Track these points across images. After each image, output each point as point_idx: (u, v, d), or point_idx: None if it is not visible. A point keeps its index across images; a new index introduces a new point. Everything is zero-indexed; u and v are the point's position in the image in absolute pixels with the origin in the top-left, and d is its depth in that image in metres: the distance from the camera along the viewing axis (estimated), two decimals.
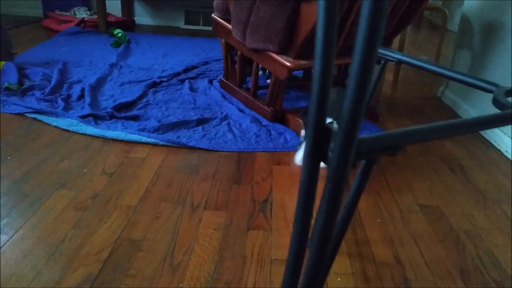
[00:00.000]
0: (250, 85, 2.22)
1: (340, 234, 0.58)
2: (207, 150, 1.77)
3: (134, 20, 4.23)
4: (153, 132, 1.83)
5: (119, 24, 3.84)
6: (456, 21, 4.40)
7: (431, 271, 1.17)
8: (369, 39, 0.45)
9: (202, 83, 2.53)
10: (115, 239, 1.20)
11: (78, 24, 3.78)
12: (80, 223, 1.26)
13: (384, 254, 1.22)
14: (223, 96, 2.33)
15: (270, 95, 2.06)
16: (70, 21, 3.82)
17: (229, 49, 2.34)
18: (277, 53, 1.90)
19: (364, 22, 0.45)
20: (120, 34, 3.35)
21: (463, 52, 2.51)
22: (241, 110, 2.14)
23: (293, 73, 2.25)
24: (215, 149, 1.78)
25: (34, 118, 1.96)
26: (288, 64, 1.84)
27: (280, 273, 1.13)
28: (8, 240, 1.18)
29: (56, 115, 1.97)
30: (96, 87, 2.33)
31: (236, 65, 2.31)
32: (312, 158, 0.54)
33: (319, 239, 0.54)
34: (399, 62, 1.04)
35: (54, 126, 1.89)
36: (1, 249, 1.15)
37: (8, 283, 1.04)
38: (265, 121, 2.03)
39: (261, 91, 2.29)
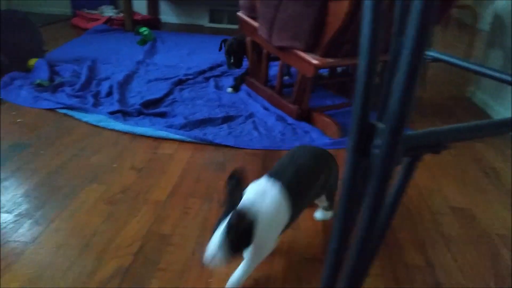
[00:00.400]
0: (275, 83, 2.22)
1: (381, 234, 0.58)
2: (233, 147, 1.78)
3: (159, 19, 4.28)
4: (180, 129, 1.85)
5: (145, 22, 3.90)
6: (485, 20, 4.28)
7: (463, 275, 1.14)
8: (419, 35, 0.45)
9: (227, 81, 2.54)
10: (145, 233, 1.22)
11: (105, 23, 3.86)
12: (111, 216, 1.29)
13: (415, 257, 1.20)
14: (248, 94, 2.33)
15: (296, 93, 2.05)
16: (97, 20, 3.90)
17: (255, 47, 2.34)
18: (304, 51, 1.89)
19: (414, 20, 0.44)
20: (146, 32, 3.40)
21: (494, 52, 2.43)
22: (266, 108, 2.14)
23: (319, 71, 2.23)
24: (240, 146, 1.78)
25: (65, 114, 2.01)
26: (315, 62, 1.83)
27: (308, 271, 1.12)
28: (43, 231, 1.22)
29: (86, 110, 2.01)
30: (124, 84, 2.37)
31: (261, 63, 2.31)
32: (355, 155, 0.53)
33: (362, 238, 0.53)
34: (435, 60, 1.02)
35: (84, 122, 1.94)
36: (38, 239, 1.18)
37: (46, 272, 1.07)
38: (290, 119, 2.03)
39: (286, 89, 2.28)
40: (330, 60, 1.87)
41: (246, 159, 1.70)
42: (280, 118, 2.02)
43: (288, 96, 2.14)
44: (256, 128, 1.93)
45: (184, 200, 1.40)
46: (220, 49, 2.62)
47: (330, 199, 1.25)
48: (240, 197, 0.93)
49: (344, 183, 0.55)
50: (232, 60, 2.53)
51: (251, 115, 2.05)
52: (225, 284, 1.04)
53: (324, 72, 2.59)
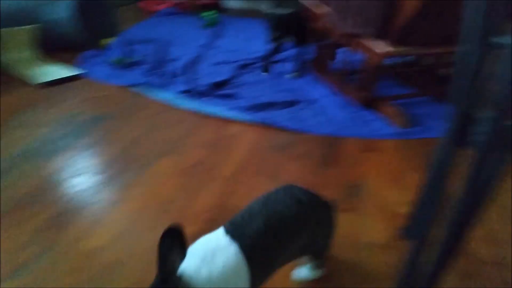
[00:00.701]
0: (339, 69, 2.20)
1: (470, 225, 0.57)
2: (296, 131, 1.80)
3: (222, 3, 4.36)
4: (245, 111, 1.91)
5: (209, 6, 3.99)
6: None
7: None
8: None
9: (291, 66, 2.55)
10: (216, 204, 1.29)
11: (172, 6, 3.99)
12: (184, 187, 1.38)
13: (488, 253, 1.16)
14: (312, 79, 2.34)
15: (362, 81, 2.03)
16: (165, 3, 4.05)
17: (320, 34, 2.33)
18: (373, 38, 1.85)
19: None
20: (211, 16, 3.49)
21: None
22: (330, 94, 2.14)
23: (388, 59, 2.18)
24: (304, 130, 1.80)
25: (138, 91, 2.14)
26: (382, 50, 1.79)
27: (371, 256, 1.13)
28: (124, 196, 1.33)
29: (157, 89, 2.13)
30: (192, 65, 2.46)
31: (326, 50, 2.30)
32: (451, 144, 0.53)
33: (455, 226, 0.53)
34: None
35: (156, 99, 2.05)
36: (119, 203, 1.29)
37: (126, 233, 1.17)
38: (355, 107, 2.01)
39: (352, 76, 2.25)
40: (399, 48, 1.82)
41: (310, 144, 1.71)
42: (344, 105, 2.01)
43: (354, 83, 2.12)
44: (319, 113, 1.94)
45: (251, 177, 1.45)
46: (270, 25, 2.37)
47: (319, 258, 1.00)
48: (179, 259, 0.68)
49: (435, 174, 0.55)
50: (278, 35, 2.36)
51: (314, 100, 2.06)
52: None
53: (394, 60, 2.52)
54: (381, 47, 1.80)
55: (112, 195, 1.33)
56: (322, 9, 2.19)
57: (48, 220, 1.22)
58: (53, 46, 2.61)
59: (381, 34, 1.84)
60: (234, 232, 0.78)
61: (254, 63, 2.60)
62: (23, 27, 2.42)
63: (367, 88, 2.02)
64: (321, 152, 1.65)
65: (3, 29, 2.32)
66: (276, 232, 0.80)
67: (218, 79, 2.25)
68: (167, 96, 2.06)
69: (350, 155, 1.64)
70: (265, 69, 2.42)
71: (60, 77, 2.23)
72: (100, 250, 1.10)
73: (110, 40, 2.78)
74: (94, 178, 1.42)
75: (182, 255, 0.68)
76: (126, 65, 2.42)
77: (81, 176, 1.44)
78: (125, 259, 1.08)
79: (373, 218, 1.29)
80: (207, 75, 2.33)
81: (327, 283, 1.04)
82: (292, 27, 2.38)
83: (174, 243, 0.66)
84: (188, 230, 1.18)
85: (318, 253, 0.97)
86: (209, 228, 1.18)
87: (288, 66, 2.56)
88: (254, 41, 3.13)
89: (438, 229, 0.62)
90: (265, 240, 0.79)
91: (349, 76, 2.21)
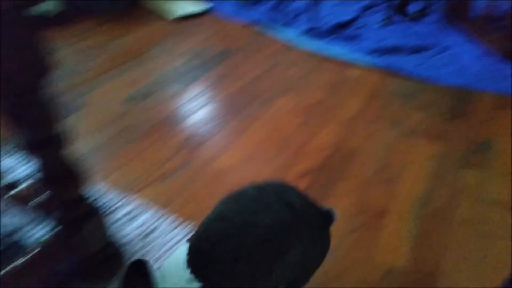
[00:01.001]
0: (480, 15, 1.95)
1: None
2: (423, 79, 1.70)
3: None
4: (368, 54, 1.85)
5: None
6: None
7: None
8: None
9: (419, 7, 2.34)
10: (334, 143, 1.34)
11: None
12: (303, 124, 1.44)
13: None
14: (447, 24, 2.12)
15: (509, 29, 1.78)
16: None
17: None
18: None
19: None
20: None
21: None
22: (466, 42, 1.93)
23: None
24: (432, 79, 1.69)
25: (261, 29, 2.19)
26: None
27: (491, 213, 1.08)
28: (247, 128, 1.44)
29: (280, 27, 2.15)
30: (315, 4, 2.40)
31: None
32: None
33: None
34: None
35: (278, 38, 2.09)
36: (242, 134, 1.41)
37: (250, 160, 1.29)
38: (496, 58, 1.79)
39: (496, 23, 1.98)
40: None
41: (437, 94, 1.61)
42: (482, 55, 1.81)
43: (498, 31, 1.87)
44: (451, 62, 1.78)
45: (370, 123, 1.44)
46: None
47: None
48: None
49: None
50: None
51: (447, 47, 1.89)
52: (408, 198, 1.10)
53: None
54: None
55: (237, 125, 1.46)
56: None
57: (184, 141, 1.40)
58: None
59: None
60: (199, 267, 0.61)
61: (381, 3, 2.44)
62: None
63: None
64: (449, 104, 1.54)
65: None
66: (257, 253, 0.62)
67: (341, 19, 2.18)
68: (289, 34, 2.08)
69: (481, 110, 1.51)
70: (397, 11, 2.23)
71: (191, 12, 2.38)
72: (228, 170, 1.25)
73: None
74: (222, 109, 1.56)
75: None
76: (251, 2, 2.47)
77: (210, 105, 1.59)
78: (250, 180, 1.20)
79: (500, 177, 1.21)
80: (330, 15, 2.27)
81: (442, 234, 1.04)
82: None
83: (139, 280, 0.57)
84: (304, 165, 1.27)
85: (296, 283, 0.74)
86: (326, 165, 1.25)
87: (414, 7, 2.35)
88: None
89: None
90: (240, 269, 0.61)
91: (492, 23, 1.95)
